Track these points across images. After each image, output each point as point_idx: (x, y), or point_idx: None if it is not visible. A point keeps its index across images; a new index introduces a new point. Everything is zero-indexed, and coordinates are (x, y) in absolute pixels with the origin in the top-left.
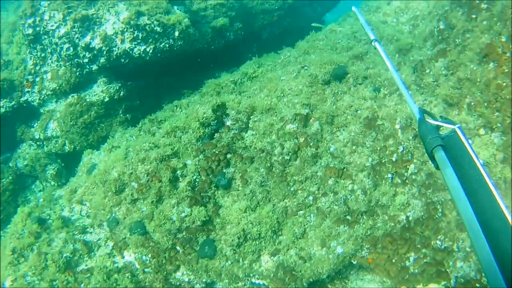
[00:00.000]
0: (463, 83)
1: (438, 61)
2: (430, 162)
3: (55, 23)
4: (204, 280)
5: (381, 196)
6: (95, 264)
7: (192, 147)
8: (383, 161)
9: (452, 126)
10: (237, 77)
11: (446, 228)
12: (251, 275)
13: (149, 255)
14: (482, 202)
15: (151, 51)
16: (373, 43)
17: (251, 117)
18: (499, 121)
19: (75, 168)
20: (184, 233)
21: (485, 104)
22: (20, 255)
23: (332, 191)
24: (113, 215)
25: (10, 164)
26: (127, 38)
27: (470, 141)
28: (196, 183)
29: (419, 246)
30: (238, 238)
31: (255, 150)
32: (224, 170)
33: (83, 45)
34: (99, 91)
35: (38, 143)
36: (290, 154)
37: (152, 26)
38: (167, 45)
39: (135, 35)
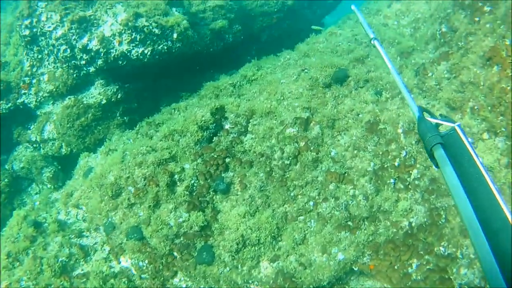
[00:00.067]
0: (466, 86)
1: (440, 64)
2: (430, 160)
3: (52, 24)
4: (202, 286)
5: (383, 202)
6: (91, 269)
7: (190, 150)
8: (385, 166)
9: (452, 124)
10: (236, 79)
11: (450, 234)
12: (250, 281)
13: (146, 261)
14: (482, 200)
15: (149, 53)
16: (372, 41)
17: (251, 120)
18: (503, 126)
19: (71, 171)
20: (181, 239)
21: (489, 108)
22: (15, 259)
23: (333, 196)
24: (110, 219)
25: (6, 167)
26: (125, 40)
27: (469, 139)
28: (194, 187)
29: (422, 252)
30: (237, 244)
31: (255, 154)
32: (223, 175)
33: (80, 47)
34: (96, 93)
35: (34, 145)
36: (290, 158)
37: (150, 28)
38: (166, 47)
39: (133, 37)
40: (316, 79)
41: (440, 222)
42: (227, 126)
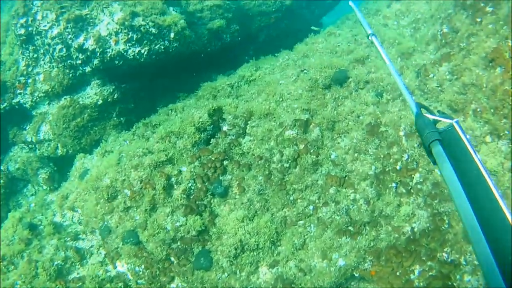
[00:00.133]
0: (468, 88)
1: (442, 65)
2: (427, 157)
3: (48, 23)
4: None
5: (385, 206)
6: (87, 273)
7: (187, 153)
8: (387, 169)
9: (450, 121)
10: (234, 80)
11: (453, 240)
12: (249, 287)
13: (142, 266)
14: (480, 197)
15: (145, 52)
16: (369, 37)
17: (249, 122)
18: (507, 128)
19: (67, 172)
20: (178, 243)
21: (492, 110)
22: (9, 262)
23: (334, 201)
24: (105, 223)
25: (2, 168)
26: (122, 39)
27: (467, 136)
28: (192, 191)
29: (424, 258)
30: (235, 249)
31: (253, 157)
32: (221, 178)
33: (76, 46)
34: (92, 94)
35: (30, 146)
36: (289, 161)
37: (147, 27)
38: (162, 47)
39: (129, 36)
40: (316, 80)
41: (443, 227)
42: (225, 128)
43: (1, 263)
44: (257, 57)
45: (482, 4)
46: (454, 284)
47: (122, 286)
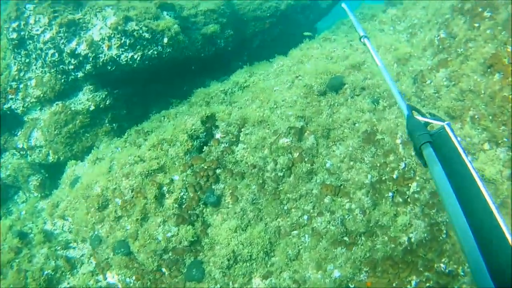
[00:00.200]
0: (466, 95)
1: (439, 71)
2: (418, 159)
3: (40, 27)
4: None
5: (381, 216)
6: (77, 283)
7: (180, 161)
8: (383, 178)
9: (441, 123)
10: (227, 86)
11: (451, 250)
12: None
13: (133, 277)
14: (470, 199)
15: (138, 58)
16: (362, 39)
17: (242, 129)
18: (505, 136)
19: (59, 179)
20: (170, 254)
21: (490, 117)
22: None
23: (329, 210)
24: (96, 232)
25: None
26: (114, 44)
27: (458, 138)
28: (184, 200)
29: (421, 269)
30: (228, 260)
31: (247, 165)
32: (213, 187)
33: (68, 51)
34: (84, 99)
35: (21, 152)
36: (283, 170)
37: (141, 32)
38: (156, 52)
39: (122, 41)
40: (311, 86)
41: (441, 237)
42: (218, 135)
43: None
44: (251, 62)
45: (480, 9)
46: None
47: None
